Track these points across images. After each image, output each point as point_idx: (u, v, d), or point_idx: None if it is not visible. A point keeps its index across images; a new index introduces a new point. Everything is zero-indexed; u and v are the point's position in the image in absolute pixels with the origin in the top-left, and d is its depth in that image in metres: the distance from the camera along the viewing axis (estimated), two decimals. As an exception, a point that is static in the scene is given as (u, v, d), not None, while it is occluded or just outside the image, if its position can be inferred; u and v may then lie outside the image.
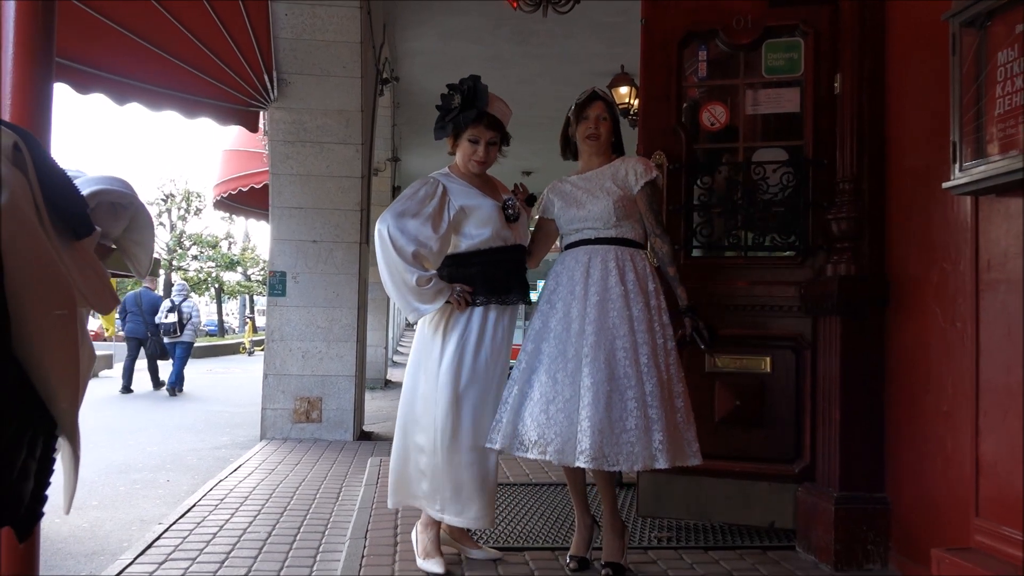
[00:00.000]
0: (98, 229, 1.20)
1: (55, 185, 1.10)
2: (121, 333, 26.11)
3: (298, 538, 3.41)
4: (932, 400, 2.69)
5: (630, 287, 2.75)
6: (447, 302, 2.80)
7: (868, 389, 2.98)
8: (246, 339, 23.36)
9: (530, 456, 2.70)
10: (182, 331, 11.29)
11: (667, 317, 2.81)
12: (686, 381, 2.81)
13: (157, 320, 11.25)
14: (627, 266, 2.79)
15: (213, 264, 28.88)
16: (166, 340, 11.29)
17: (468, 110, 2.78)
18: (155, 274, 3.81)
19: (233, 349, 22.22)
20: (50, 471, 1.21)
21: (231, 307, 36.05)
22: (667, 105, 3.51)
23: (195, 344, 12.78)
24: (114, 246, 1.48)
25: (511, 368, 2.90)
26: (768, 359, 3.35)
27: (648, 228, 2.91)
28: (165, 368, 11.61)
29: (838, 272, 3.02)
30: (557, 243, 3.07)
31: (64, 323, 1.03)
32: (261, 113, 6.29)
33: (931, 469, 2.69)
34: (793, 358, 3.32)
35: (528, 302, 2.94)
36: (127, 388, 10.93)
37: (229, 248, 30.60)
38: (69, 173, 1.35)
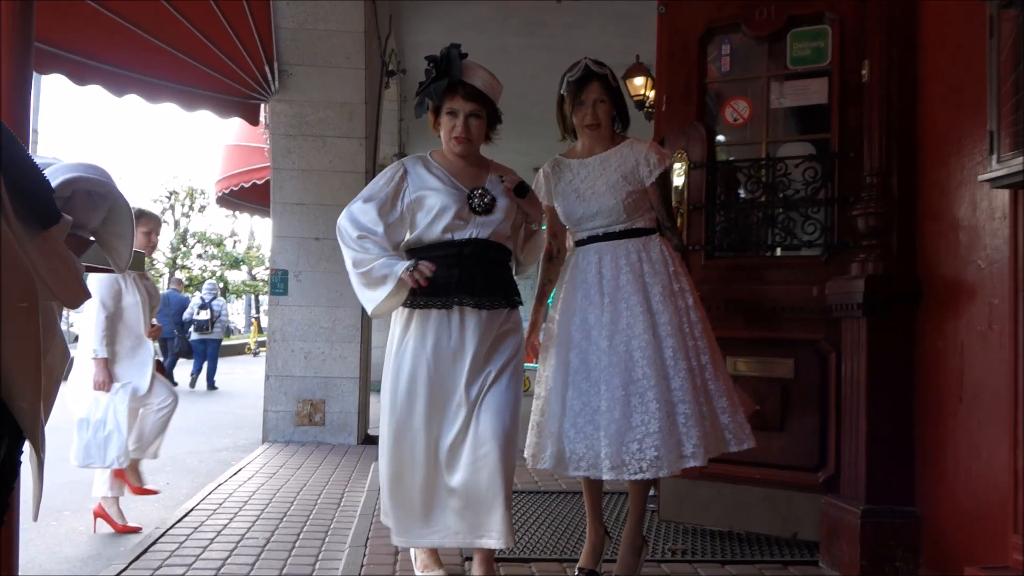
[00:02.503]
0: (67, 218, 1.14)
1: (19, 171, 1.04)
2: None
3: (297, 545, 3.36)
4: (966, 408, 2.60)
5: (647, 279, 2.66)
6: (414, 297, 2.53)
7: (896, 395, 2.89)
8: (251, 340, 23.40)
9: (569, 474, 2.64)
10: (213, 328, 12.18)
11: (691, 298, 2.71)
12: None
13: (188, 317, 12.20)
14: (641, 257, 2.70)
15: (217, 263, 28.96)
16: (197, 336, 12.19)
17: (440, 80, 2.54)
18: (139, 268, 3.79)
19: (238, 350, 22.26)
20: (15, 475, 1.16)
21: (236, 307, 36.16)
22: (687, 102, 3.44)
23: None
24: (93, 238, 1.42)
25: (532, 378, 2.85)
26: (791, 363, 3.26)
27: (658, 219, 2.82)
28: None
29: (865, 271, 2.93)
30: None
31: (26, 317, 0.97)
32: (262, 106, 6.25)
33: (965, 481, 2.60)
34: (817, 362, 3.23)
35: (501, 305, 2.60)
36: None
37: (234, 246, 30.69)
38: (42, 161, 1.29)
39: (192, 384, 12.08)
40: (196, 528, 3.56)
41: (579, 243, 2.83)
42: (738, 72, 3.54)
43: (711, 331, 2.74)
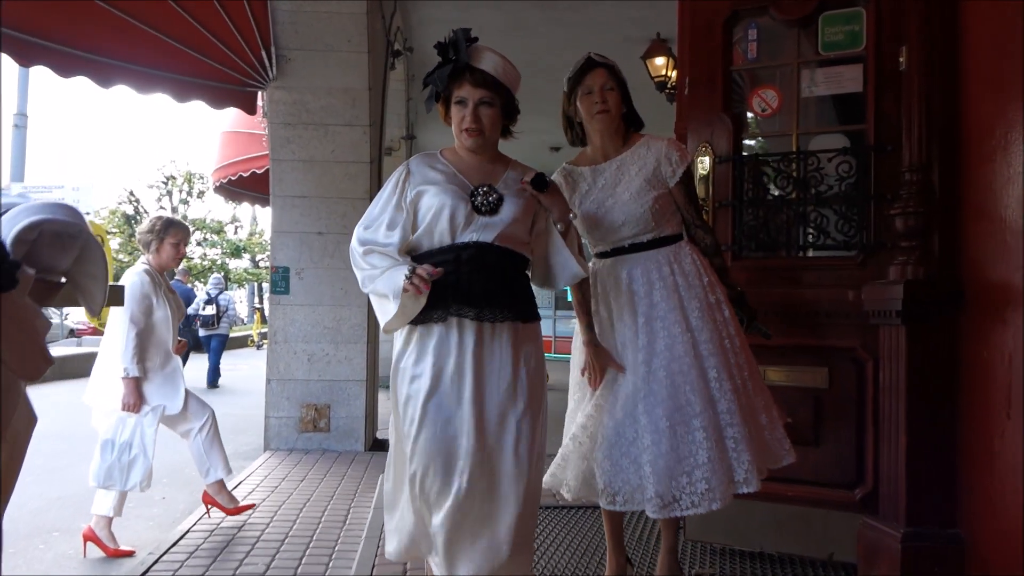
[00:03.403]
0: (28, 273, 1.12)
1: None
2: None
3: (299, 572, 3.36)
4: (1014, 424, 2.55)
5: (682, 293, 2.61)
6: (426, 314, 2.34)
7: (938, 409, 2.85)
8: (254, 331, 23.52)
9: (603, 506, 2.61)
10: (219, 323, 12.26)
11: (728, 310, 2.68)
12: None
13: (193, 311, 12.14)
14: (674, 269, 2.64)
15: (218, 251, 29.13)
16: (203, 332, 12.22)
17: (445, 66, 2.39)
18: (120, 303, 3.76)
19: (241, 342, 22.37)
20: None
21: (238, 296, 36.41)
22: (712, 91, 3.38)
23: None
24: (63, 279, 1.41)
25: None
26: (825, 371, 3.22)
27: (686, 221, 2.77)
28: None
29: (904, 275, 2.88)
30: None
31: None
32: (259, 93, 6.24)
33: (1014, 503, 2.55)
34: (853, 371, 3.19)
35: (507, 318, 2.35)
36: None
37: (235, 233, 30.84)
38: (7, 202, 1.27)
39: (212, 384, 11.81)
40: (191, 554, 3.58)
41: (601, 255, 2.76)
42: (766, 58, 3.48)
43: (746, 342, 2.71)
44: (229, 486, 4.82)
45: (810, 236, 3.35)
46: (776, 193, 3.39)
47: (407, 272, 2.24)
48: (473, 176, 2.42)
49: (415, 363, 2.34)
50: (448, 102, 2.43)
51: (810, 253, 3.41)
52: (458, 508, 2.23)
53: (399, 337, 2.43)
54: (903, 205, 2.91)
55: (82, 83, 5.20)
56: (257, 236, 31.55)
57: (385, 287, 2.33)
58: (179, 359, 4.13)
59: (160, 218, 4.20)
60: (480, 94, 2.37)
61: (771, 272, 3.34)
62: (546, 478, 2.72)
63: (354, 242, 2.42)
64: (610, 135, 2.74)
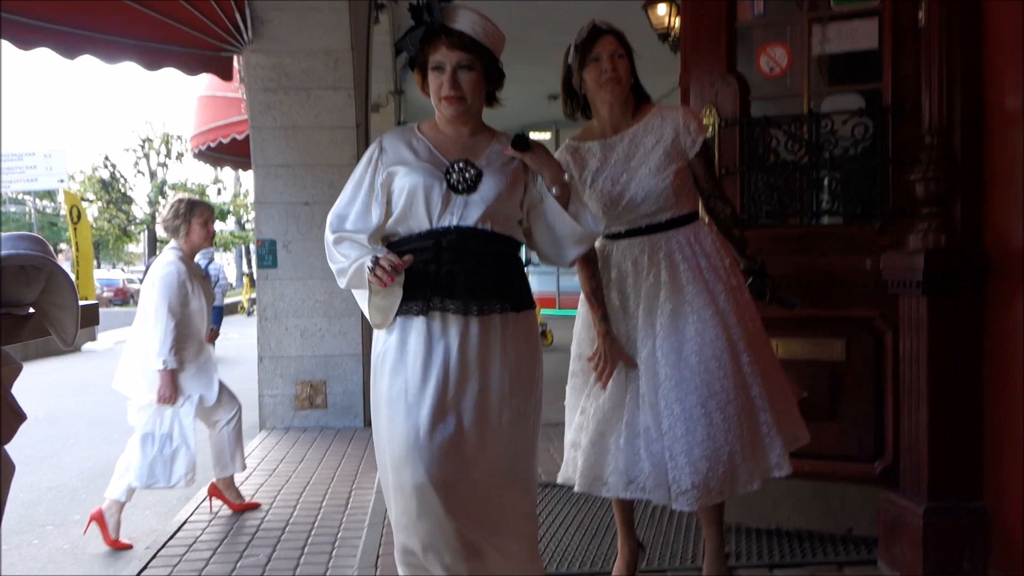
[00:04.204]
0: None
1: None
2: (107, 294, 26.39)
3: (301, 562, 3.39)
4: (1041, 398, 2.56)
5: (707, 275, 2.56)
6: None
7: (962, 381, 2.85)
8: (244, 297, 23.50)
9: (612, 495, 2.58)
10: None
11: (747, 292, 2.67)
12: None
13: None
14: (695, 250, 2.59)
15: (199, 215, 28.97)
16: None
17: (418, 28, 2.24)
18: (95, 322, 3.63)
19: (231, 309, 22.35)
20: None
21: (226, 259, 36.34)
22: (717, 50, 3.32)
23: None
24: (32, 310, 1.39)
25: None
26: (842, 344, 3.22)
27: (704, 192, 2.70)
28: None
29: (925, 243, 2.86)
30: None
31: None
32: (235, 58, 6.13)
33: (1040, 478, 2.57)
34: (871, 342, 3.18)
35: (496, 309, 2.22)
36: None
37: (219, 195, 30.66)
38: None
39: None
40: (190, 546, 3.60)
41: (613, 237, 2.67)
42: (774, 13, 3.42)
43: (761, 322, 2.69)
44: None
45: (824, 203, 3.32)
46: (787, 158, 3.34)
47: (369, 263, 2.12)
48: (451, 151, 2.27)
49: (395, 362, 2.21)
50: (425, 70, 2.26)
51: (824, 221, 3.38)
52: (442, 523, 2.12)
53: (383, 332, 2.30)
54: (923, 170, 2.88)
55: (45, 55, 5.08)
56: (242, 198, 31.38)
57: (357, 280, 2.20)
58: (211, 348, 4.13)
59: (181, 200, 4.15)
60: (458, 57, 2.20)
61: (783, 241, 3.31)
62: (560, 479, 2.74)
63: (326, 231, 2.29)
64: (620, 106, 2.65)
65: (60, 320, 1.36)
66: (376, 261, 2.11)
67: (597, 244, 2.70)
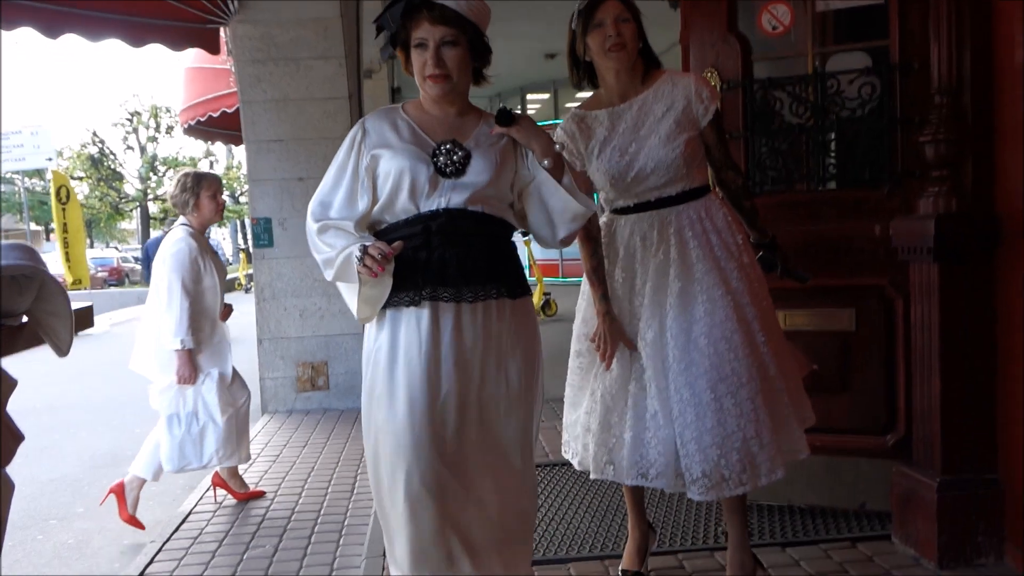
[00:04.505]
0: None
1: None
2: (101, 274, 26.47)
3: (308, 552, 3.42)
4: (1057, 366, 2.54)
5: (718, 253, 2.51)
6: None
7: (975, 350, 2.84)
8: (241, 273, 23.53)
9: (626, 482, 2.56)
10: None
11: (759, 268, 2.63)
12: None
13: None
14: (706, 226, 2.54)
15: (193, 190, 28.94)
16: None
17: (398, 3, 2.15)
18: (91, 324, 3.61)
19: (228, 285, 22.36)
20: None
21: (221, 234, 36.38)
22: (717, 8, 3.26)
23: None
24: (25, 319, 1.39)
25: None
26: (851, 313, 3.20)
27: (716, 162, 2.65)
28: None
29: (936, 209, 2.83)
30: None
31: None
32: (221, 30, 6.06)
33: (1056, 449, 2.56)
34: (881, 311, 3.17)
35: (492, 295, 2.18)
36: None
37: (211, 168, 30.57)
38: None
39: None
40: (195, 539, 3.63)
41: (621, 211, 2.63)
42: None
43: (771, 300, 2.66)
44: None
45: (831, 167, 3.28)
46: (792, 121, 3.30)
47: (357, 252, 2.07)
48: (437, 132, 2.21)
49: (388, 356, 2.16)
50: (408, 48, 2.19)
51: (831, 185, 3.35)
52: (442, 521, 2.12)
53: (373, 325, 2.25)
54: (933, 131, 2.84)
55: (27, 33, 5.03)
56: (235, 170, 31.29)
57: (344, 272, 2.14)
58: (225, 327, 4.13)
59: (187, 174, 4.14)
60: (441, 32, 2.12)
61: (788, 208, 3.28)
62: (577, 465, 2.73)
63: (308, 220, 2.24)
64: (627, 73, 2.58)
65: (54, 328, 1.37)
66: (364, 250, 2.05)
67: (604, 219, 2.68)
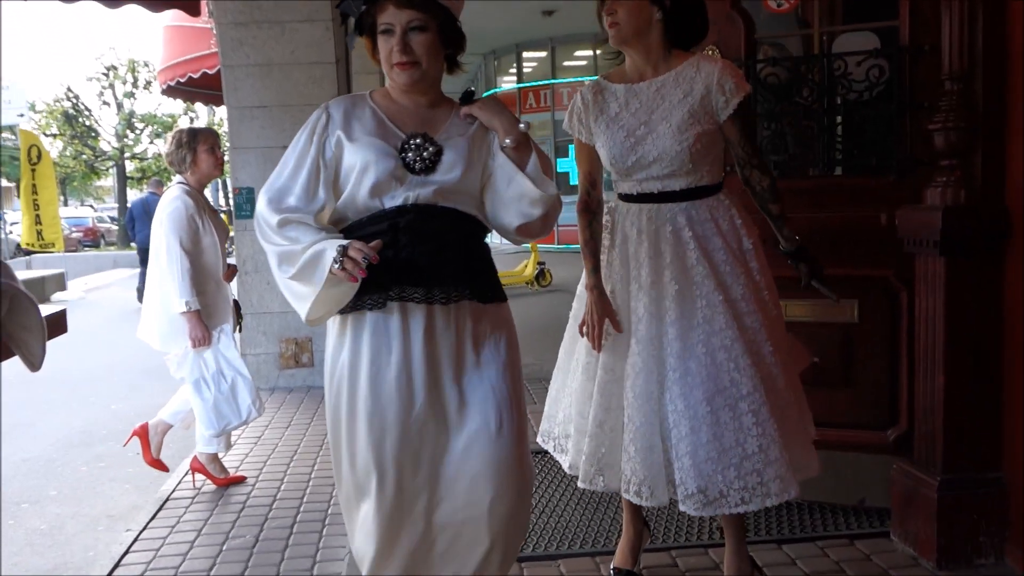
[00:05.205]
0: None
1: None
2: (76, 235, 26.38)
3: (290, 543, 3.46)
4: (1063, 366, 2.58)
5: (719, 257, 2.48)
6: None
7: (980, 345, 2.88)
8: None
9: (611, 489, 2.60)
10: None
11: (769, 276, 2.58)
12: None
13: None
14: (708, 229, 2.50)
15: (174, 148, 28.81)
16: None
17: None
18: (65, 330, 3.58)
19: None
20: None
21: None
22: (718, -16, 3.25)
23: None
24: None
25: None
26: (854, 305, 3.23)
27: (740, 160, 2.58)
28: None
29: (944, 200, 2.85)
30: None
31: None
32: (202, -10, 6.01)
33: (1060, 451, 2.61)
34: (886, 303, 3.21)
35: (465, 296, 2.13)
36: None
37: (191, 124, 30.38)
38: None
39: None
40: (173, 527, 3.68)
41: (624, 198, 2.63)
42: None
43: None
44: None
45: (836, 153, 3.30)
46: (796, 103, 3.31)
47: (336, 253, 1.96)
48: (407, 123, 2.15)
49: (350, 364, 2.12)
50: (375, 34, 2.13)
51: (837, 172, 3.36)
52: (414, 550, 2.14)
53: (332, 326, 2.19)
54: (943, 119, 2.85)
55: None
56: (217, 126, 31.13)
57: (308, 272, 2.03)
58: (229, 288, 4.19)
59: (182, 130, 4.18)
60: (408, 17, 2.06)
61: (791, 195, 3.24)
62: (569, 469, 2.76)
63: (261, 209, 2.13)
64: (643, 53, 2.54)
65: (26, 342, 1.39)
66: (345, 252, 1.96)
67: (611, 203, 2.70)
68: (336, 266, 1.96)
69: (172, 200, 3.97)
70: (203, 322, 3.92)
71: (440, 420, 2.12)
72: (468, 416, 2.13)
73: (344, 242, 1.99)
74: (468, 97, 2.21)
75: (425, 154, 2.11)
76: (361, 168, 2.08)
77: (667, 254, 2.50)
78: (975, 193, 2.82)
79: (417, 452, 2.11)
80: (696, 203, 2.54)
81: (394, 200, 2.09)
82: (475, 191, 2.19)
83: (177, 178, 4.11)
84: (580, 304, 2.71)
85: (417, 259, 2.06)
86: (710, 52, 3.31)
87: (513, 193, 2.16)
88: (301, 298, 2.10)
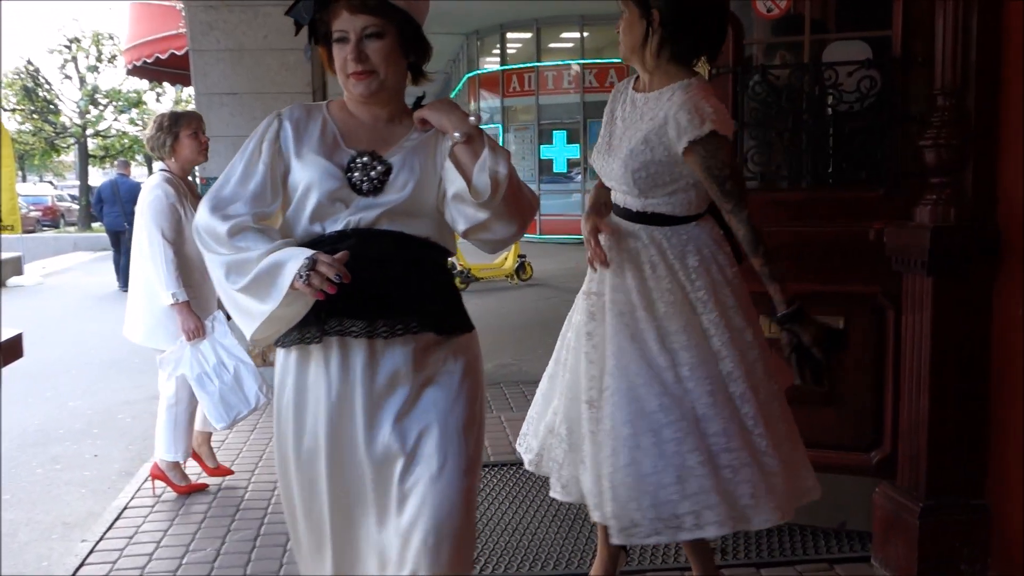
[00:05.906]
0: None
1: None
2: (34, 214, 26.13)
3: (253, 559, 3.47)
4: (1050, 393, 2.63)
5: (675, 282, 2.49)
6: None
7: (967, 368, 2.92)
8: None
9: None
10: None
11: (745, 302, 2.55)
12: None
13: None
14: (668, 259, 2.50)
15: (139, 127, 28.53)
16: None
17: None
18: (20, 356, 3.53)
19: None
20: None
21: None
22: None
23: None
24: None
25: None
26: (840, 322, 3.26)
27: (714, 200, 2.51)
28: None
29: (933, 218, 2.88)
30: None
31: None
32: (171, -30, 5.97)
33: (1045, 479, 2.66)
34: (872, 321, 3.24)
35: (413, 329, 2.03)
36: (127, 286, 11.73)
37: (158, 102, 30.13)
38: None
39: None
40: (131, 538, 3.68)
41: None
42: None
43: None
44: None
45: (824, 165, 3.33)
46: (785, 113, 3.33)
47: (303, 264, 1.85)
48: (360, 139, 2.07)
49: (295, 401, 2.07)
50: (330, 42, 2.02)
51: (825, 185, 3.39)
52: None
53: (279, 360, 2.11)
54: (934, 135, 2.88)
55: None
56: (184, 104, 30.88)
57: (263, 283, 1.92)
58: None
59: (164, 114, 4.18)
60: (363, 22, 1.96)
61: (777, 207, 3.32)
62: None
63: (204, 219, 2.01)
64: (641, 67, 2.58)
65: None
66: (313, 265, 1.84)
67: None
68: (301, 280, 1.85)
69: (152, 189, 3.96)
70: (194, 312, 3.92)
71: (383, 465, 2.04)
72: (413, 457, 2.04)
73: (310, 253, 1.87)
74: (419, 103, 2.11)
75: (372, 173, 2.03)
76: (304, 189, 2.02)
77: (628, 274, 2.53)
78: (966, 210, 2.86)
79: (352, 505, 2.08)
80: (649, 229, 2.54)
81: (335, 224, 2.01)
82: (430, 209, 2.08)
83: (160, 165, 4.11)
84: (574, 319, 2.75)
85: (362, 289, 1.92)
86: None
87: (460, 191, 2.02)
88: (248, 314, 1.98)
